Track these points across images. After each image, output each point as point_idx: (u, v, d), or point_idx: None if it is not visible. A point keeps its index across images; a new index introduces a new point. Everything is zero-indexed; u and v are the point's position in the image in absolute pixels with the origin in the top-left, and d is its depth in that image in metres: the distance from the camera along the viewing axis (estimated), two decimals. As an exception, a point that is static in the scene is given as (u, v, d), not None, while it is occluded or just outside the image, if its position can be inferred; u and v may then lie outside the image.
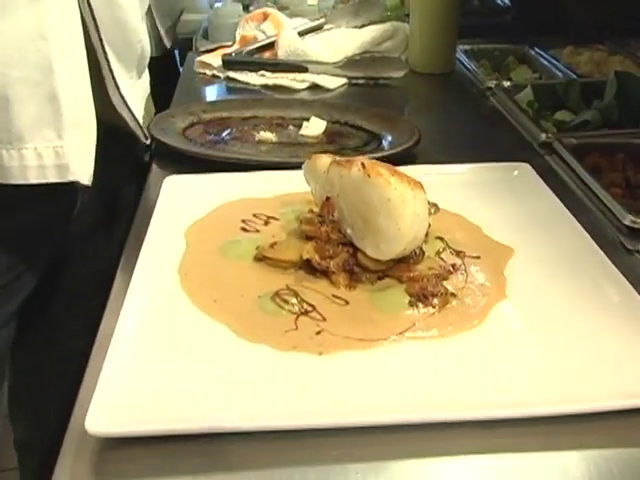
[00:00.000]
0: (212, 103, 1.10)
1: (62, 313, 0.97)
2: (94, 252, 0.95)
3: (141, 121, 0.94)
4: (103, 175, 0.80)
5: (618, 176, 0.87)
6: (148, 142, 0.92)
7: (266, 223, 0.76)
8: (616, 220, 0.77)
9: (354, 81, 1.27)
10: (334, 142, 0.99)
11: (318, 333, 0.59)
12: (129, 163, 0.98)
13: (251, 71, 1.29)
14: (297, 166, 0.77)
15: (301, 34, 1.37)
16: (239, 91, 1.26)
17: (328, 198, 0.69)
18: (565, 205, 0.77)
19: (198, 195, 0.81)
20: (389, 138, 0.98)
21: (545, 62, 1.35)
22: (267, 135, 1.00)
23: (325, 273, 0.65)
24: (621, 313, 0.60)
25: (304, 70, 1.28)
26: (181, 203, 0.79)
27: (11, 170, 0.71)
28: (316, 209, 0.72)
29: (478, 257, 0.69)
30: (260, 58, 1.35)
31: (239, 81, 1.28)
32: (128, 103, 0.86)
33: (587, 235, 0.71)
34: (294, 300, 0.62)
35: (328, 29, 1.44)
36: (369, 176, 0.62)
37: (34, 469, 1.13)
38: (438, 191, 0.77)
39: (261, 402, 0.52)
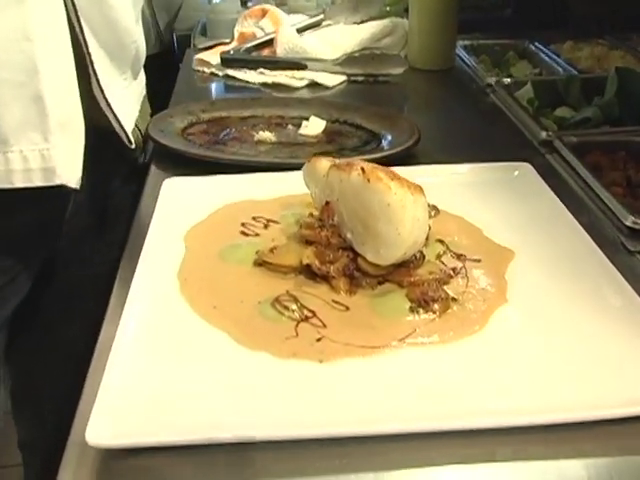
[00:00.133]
0: (211, 102, 1.09)
1: (57, 316, 0.96)
2: (89, 255, 0.94)
3: (130, 123, 0.91)
4: (96, 177, 0.79)
5: (619, 175, 0.87)
6: (133, 146, 0.90)
7: (266, 226, 0.75)
8: (617, 221, 0.77)
9: (353, 78, 1.27)
10: (333, 142, 0.99)
11: (318, 340, 0.58)
12: (124, 165, 0.97)
13: (250, 69, 1.29)
14: (296, 167, 0.77)
15: (300, 31, 1.37)
16: (238, 89, 1.26)
17: (328, 202, 0.68)
18: (566, 205, 0.77)
19: (197, 197, 0.81)
20: (389, 137, 0.97)
21: (545, 57, 1.34)
22: (266, 135, 1.00)
23: (325, 278, 0.65)
24: (623, 317, 0.60)
25: (303, 67, 1.27)
26: (180, 206, 0.79)
27: None
28: (316, 213, 0.72)
29: (479, 260, 0.69)
30: (259, 56, 1.35)
31: (238, 79, 1.28)
32: (112, 105, 0.84)
33: (588, 237, 0.70)
34: (294, 306, 0.62)
35: (327, 25, 1.43)
36: (369, 181, 0.62)
37: (37, 468, 1.14)
38: (438, 192, 0.77)
39: (262, 412, 0.52)
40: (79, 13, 0.76)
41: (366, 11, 1.46)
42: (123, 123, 0.86)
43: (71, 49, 0.75)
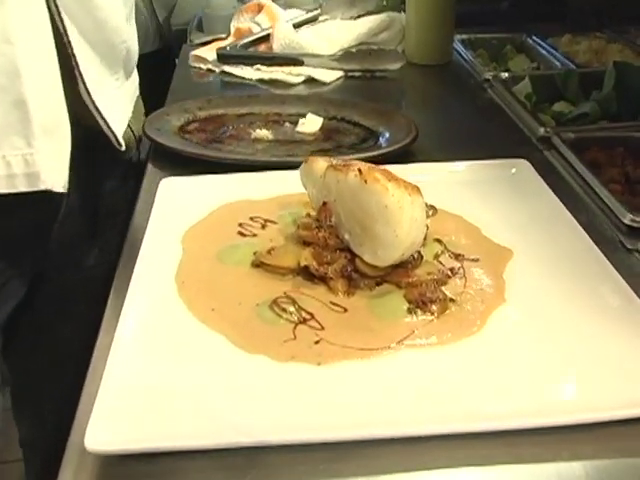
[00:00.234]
0: (208, 100, 1.09)
1: (52, 318, 0.96)
2: (81, 257, 0.94)
3: (122, 125, 0.90)
4: (88, 178, 0.79)
5: (617, 171, 0.87)
6: (122, 149, 0.88)
7: (263, 227, 0.75)
8: (616, 219, 0.76)
9: (350, 74, 1.26)
10: (331, 139, 0.99)
11: (317, 342, 0.58)
12: (117, 165, 0.96)
13: (246, 65, 1.28)
14: (294, 166, 0.77)
15: (296, 26, 1.36)
16: (234, 85, 1.25)
17: (325, 203, 0.68)
18: (564, 202, 0.77)
19: (194, 197, 0.81)
20: (386, 135, 0.97)
21: (543, 51, 1.34)
22: (263, 133, 1.00)
23: (323, 279, 0.65)
24: (621, 317, 0.60)
25: (300, 63, 1.27)
26: (177, 206, 0.79)
27: None
28: (313, 212, 0.72)
29: (477, 260, 0.69)
30: (255, 52, 1.34)
31: (234, 75, 1.27)
32: (100, 108, 0.83)
33: (587, 236, 0.70)
34: (292, 308, 0.62)
35: (323, 20, 1.43)
36: (366, 182, 0.62)
37: (37, 467, 1.14)
38: (436, 191, 0.77)
39: (260, 416, 0.52)
40: (63, 15, 0.74)
41: (363, 5, 1.46)
42: (112, 125, 0.85)
43: (55, 51, 0.74)
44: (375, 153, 0.89)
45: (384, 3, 1.50)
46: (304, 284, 0.66)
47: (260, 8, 1.44)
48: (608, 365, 0.56)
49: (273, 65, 1.27)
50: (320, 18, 1.44)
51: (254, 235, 0.74)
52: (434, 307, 0.62)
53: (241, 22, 1.44)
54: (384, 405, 0.52)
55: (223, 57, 1.30)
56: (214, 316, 0.62)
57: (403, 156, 0.90)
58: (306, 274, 0.66)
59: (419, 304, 0.62)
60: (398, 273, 0.65)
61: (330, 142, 0.98)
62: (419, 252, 0.67)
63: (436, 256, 0.69)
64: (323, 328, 0.60)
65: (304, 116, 1.04)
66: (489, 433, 0.50)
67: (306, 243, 0.68)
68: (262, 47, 1.36)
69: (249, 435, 0.50)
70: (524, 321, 0.61)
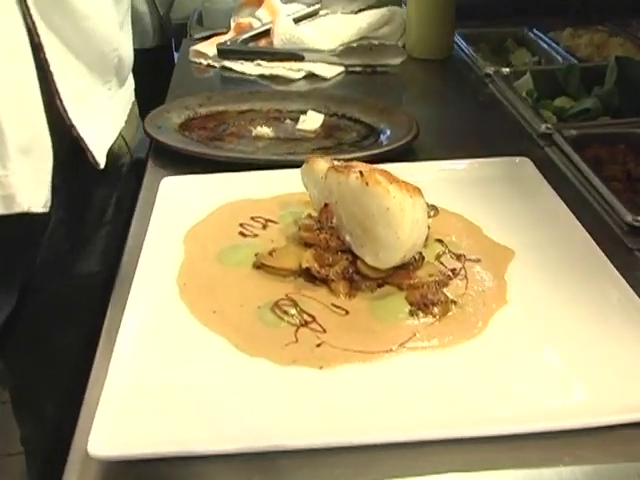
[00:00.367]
0: (208, 96, 1.08)
1: (48, 324, 0.95)
2: (76, 264, 0.92)
3: (110, 136, 0.88)
4: (77, 189, 0.77)
5: (619, 169, 0.86)
6: (101, 166, 0.84)
7: (264, 227, 0.75)
8: (617, 218, 0.76)
9: (351, 69, 1.26)
10: (332, 137, 0.98)
11: (318, 346, 0.58)
12: (107, 175, 0.91)
13: (247, 60, 1.28)
14: (295, 165, 0.77)
15: (296, 21, 1.35)
16: (235, 81, 1.25)
17: (326, 204, 0.68)
18: (565, 200, 0.76)
19: (195, 197, 0.81)
20: (387, 132, 0.97)
21: (544, 45, 1.33)
22: (264, 130, 0.99)
23: (325, 281, 0.65)
24: (624, 319, 0.60)
25: (300, 58, 1.26)
26: (178, 206, 0.79)
27: None
28: (314, 213, 0.72)
29: (478, 260, 0.69)
30: (256, 47, 1.33)
31: (235, 71, 1.27)
32: (75, 124, 0.79)
33: (588, 235, 0.70)
34: (293, 311, 0.62)
35: (324, 14, 1.42)
36: (367, 184, 0.62)
37: (38, 463, 1.15)
38: (436, 190, 0.77)
39: (262, 421, 0.52)
40: (39, 29, 0.71)
41: (363, -1, 1.45)
42: (89, 142, 0.81)
43: (34, 71, 0.71)
44: (376, 151, 0.89)
45: (384, -4, 1.49)
46: (305, 286, 0.66)
47: (260, 2, 1.43)
48: (611, 367, 0.56)
49: (274, 60, 1.26)
50: (320, 12, 1.43)
51: (255, 235, 0.74)
52: (436, 309, 0.62)
53: (241, 17, 1.43)
54: (386, 409, 0.53)
55: (223, 52, 1.29)
56: (216, 319, 0.62)
57: (404, 153, 0.90)
58: (307, 276, 0.66)
59: (421, 306, 0.62)
60: (399, 275, 0.65)
61: (331, 140, 0.97)
62: (420, 253, 0.67)
63: (437, 257, 0.69)
64: (325, 331, 0.60)
65: (305, 113, 1.03)
66: (492, 437, 0.50)
67: (307, 244, 0.68)
68: (262, 42, 1.35)
69: (251, 440, 0.50)
70: (526, 323, 0.61)
